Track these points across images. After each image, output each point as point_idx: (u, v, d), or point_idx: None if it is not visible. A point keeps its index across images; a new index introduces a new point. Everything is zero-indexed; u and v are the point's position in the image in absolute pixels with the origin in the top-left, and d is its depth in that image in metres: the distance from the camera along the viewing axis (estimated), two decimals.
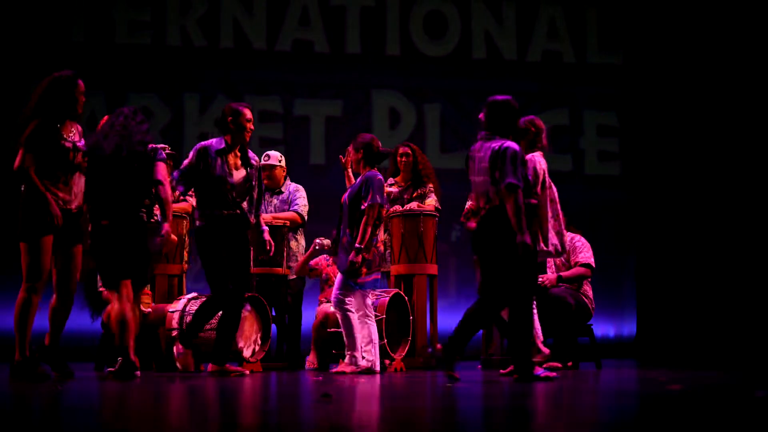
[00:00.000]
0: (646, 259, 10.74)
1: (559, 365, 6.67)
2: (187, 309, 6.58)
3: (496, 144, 5.21)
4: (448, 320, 9.04)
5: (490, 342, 7.39)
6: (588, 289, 7.04)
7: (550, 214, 5.59)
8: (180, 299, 6.73)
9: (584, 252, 6.98)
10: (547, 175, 5.66)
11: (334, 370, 6.17)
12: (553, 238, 5.60)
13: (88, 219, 5.78)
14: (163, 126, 10.18)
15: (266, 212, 7.35)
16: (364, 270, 6.02)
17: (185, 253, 7.27)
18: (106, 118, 6.04)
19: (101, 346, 7.03)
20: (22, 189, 5.53)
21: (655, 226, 10.73)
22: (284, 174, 7.62)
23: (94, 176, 5.63)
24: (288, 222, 7.31)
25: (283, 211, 7.45)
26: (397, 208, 7.41)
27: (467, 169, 5.43)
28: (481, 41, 10.88)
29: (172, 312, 6.61)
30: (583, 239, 7.10)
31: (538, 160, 5.65)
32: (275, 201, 7.52)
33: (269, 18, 10.53)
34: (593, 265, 6.98)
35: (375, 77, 10.74)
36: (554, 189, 5.73)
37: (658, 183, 10.78)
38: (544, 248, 5.46)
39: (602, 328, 10.25)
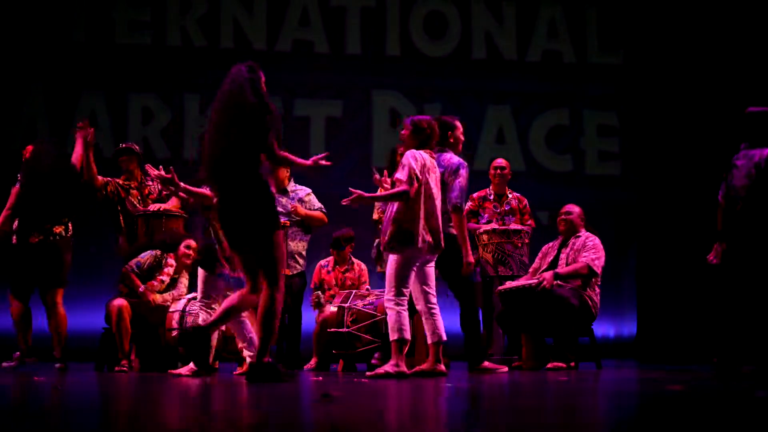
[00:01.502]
0: (646, 259, 10.73)
1: (563, 365, 6.67)
2: (187, 309, 6.58)
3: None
4: (448, 320, 9.04)
5: (490, 342, 7.39)
6: (593, 292, 6.98)
7: (424, 211, 5.61)
8: (180, 299, 6.74)
9: (590, 253, 6.91)
10: (427, 171, 5.64)
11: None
12: (425, 236, 5.61)
13: None
14: (163, 126, 10.19)
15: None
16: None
17: None
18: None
19: (101, 346, 7.03)
20: None
21: (656, 227, 10.72)
22: (287, 174, 7.56)
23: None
24: (311, 221, 7.36)
25: (286, 209, 7.44)
26: None
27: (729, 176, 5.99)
28: (481, 41, 10.88)
29: (172, 312, 6.61)
30: (596, 241, 7.02)
31: (413, 156, 5.62)
32: (283, 200, 7.46)
33: (269, 18, 10.53)
34: (595, 268, 6.86)
35: (375, 77, 10.74)
36: (431, 186, 5.69)
37: (658, 183, 10.78)
38: (418, 246, 5.53)
39: (602, 328, 10.25)
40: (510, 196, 7.82)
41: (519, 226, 7.43)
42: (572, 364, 6.78)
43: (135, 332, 6.76)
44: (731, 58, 10.71)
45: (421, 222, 5.58)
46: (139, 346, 6.91)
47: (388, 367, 5.56)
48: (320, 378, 5.71)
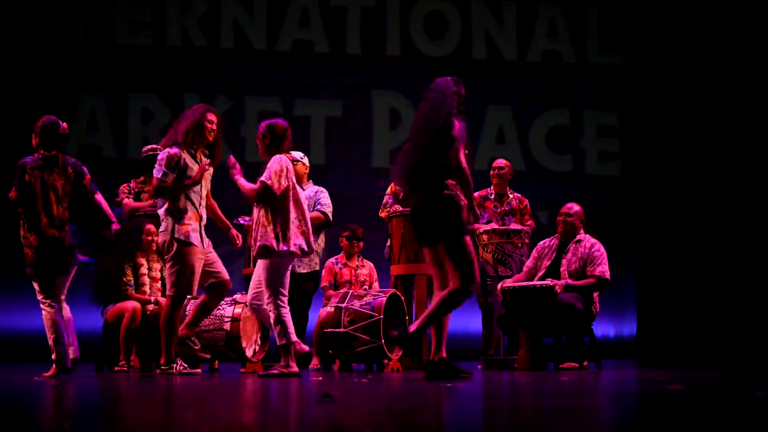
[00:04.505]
0: (646, 260, 10.74)
1: (576, 365, 6.69)
2: (187, 309, 6.58)
3: None
4: (448, 320, 9.03)
5: (489, 342, 7.39)
6: (595, 294, 6.99)
7: (293, 215, 5.65)
8: None
9: (602, 265, 6.88)
10: (291, 175, 5.70)
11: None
12: (298, 238, 5.65)
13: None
14: (163, 126, 10.18)
15: None
16: None
17: None
18: None
19: (102, 346, 7.04)
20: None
21: (655, 227, 10.73)
22: (306, 172, 7.54)
23: None
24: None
25: None
26: (397, 207, 7.39)
27: None
28: (481, 41, 10.88)
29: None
30: (602, 249, 6.98)
31: (279, 158, 5.69)
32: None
33: (269, 18, 10.54)
34: (608, 278, 6.89)
35: (375, 77, 10.75)
36: (298, 190, 5.75)
37: (658, 183, 10.79)
38: (284, 248, 5.57)
39: (602, 328, 10.25)
40: (510, 196, 7.82)
41: (519, 226, 7.43)
42: (585, 363, 6.80)
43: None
44: (731, 58, 10.72)
45: (292, 226, 5.64)
46: (140, 346, 6.93)
47: (279, 369, 5.64)
48: (320, 378, 5.72)
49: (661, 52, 10.97)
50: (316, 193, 7.49)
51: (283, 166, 5.68)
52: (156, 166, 5.98)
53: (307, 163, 7.53)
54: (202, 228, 6.06)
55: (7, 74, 10.04)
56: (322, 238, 7.53)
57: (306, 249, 5.71)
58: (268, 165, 5.71)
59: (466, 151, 5.35)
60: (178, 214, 5.93)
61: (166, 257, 5.97)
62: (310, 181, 7.62)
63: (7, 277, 9.54)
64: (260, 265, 5.72)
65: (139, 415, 3.19)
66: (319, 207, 7.41)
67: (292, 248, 5.61)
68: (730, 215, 10.46)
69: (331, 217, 7.41)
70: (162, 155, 5.96)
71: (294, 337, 5.70)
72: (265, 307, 5.70)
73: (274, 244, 5.58)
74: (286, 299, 5.69)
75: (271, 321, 5.67)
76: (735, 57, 10.72)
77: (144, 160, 7.38)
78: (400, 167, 5.43)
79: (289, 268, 5.75)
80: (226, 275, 6.08)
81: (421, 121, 5.42)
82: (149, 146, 7.54)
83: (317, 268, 7.50)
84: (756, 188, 10.50)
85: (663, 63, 10.93)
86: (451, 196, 5.29)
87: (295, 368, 5.66)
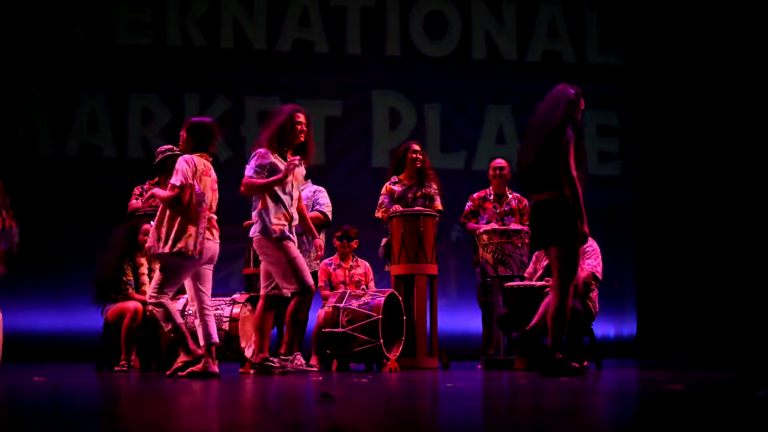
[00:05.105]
0: (645, 260, 10.74)
1: (577, 365, 6.70)
2: (187, 309, 6.58)
3: None
4: (448, 320, 9.06)
5: (490, 342, 7.39)
6: (593, 293, 6.99)
7: (195, 218, 5.69)
8: (179, 299, 6.73)
9: (591, 260, 6.91)
10: (200, 176, 5.71)
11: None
12: (199, 242, 5.69)
13: None
14: (163, 126, 10.19)
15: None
16: None
17: None
18: None
19: (102, 346, 7.04)
20: None
21: (655, 226, 10.73)
22: (304, 173, 7.56)
23: None
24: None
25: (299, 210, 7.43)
26: (397, 207, 7.39)
27: None
28: (481, 41, 10.88)
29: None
30: (594, 245, 7.01)
31: (185, 160, 5.71)
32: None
33: (269, 18, 10.54)
34: (599, 275, 6.89)
35: (375, 77, 10.74)
36: (206, 190, 5.78)
37: (658, 183, 10.79)
38: (189, 253, 5.62)
39: (602, 328, 10.25)
40: (510, 196, 7.82)
41: (519, 226, 7.43)
42: (585, 364, 6.80)
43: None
44: (731, 58, 10.72)
45: (193, 228, 5.65)
46: (140, 346, 6.93)
47: (196, 367, 5.67)
48: (320, 378, 5.72)
49: (661, 52, 10.96)
50: (314, 192, 7.49)
51: (190, 167, 5.70)
52: (247, 165, 6.08)
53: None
54: (293, 228, 6.11)
55: (7, 74, 10.04)
56: (322, 238, 7.53)
57: (191, 252, 5.69)
58: (177, 166, 5.72)
59: (580, 153, 5.47)
60: (269, 214, 5.99)
61: (261, 258, 6.03)
62: (308, 180, 7.63)
63: (7, 276, 9.54)
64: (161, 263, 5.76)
65: (139, 415, 3.19)
66: (318, 207, 7.42)
67: (193, 250, 5.63)
68: (730, 215, 10.46)
69: (330, 217, 7.40)
70: (253, 155, 6.07)
71: (184, 328, 5.75)
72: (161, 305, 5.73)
73: (157, 245, 5.63)
74: (166, 296, 5.72)
75: (159, 318, 5.71)
76: (735, 57, 10.72)
77: (160, 162, 7.38)
78: (518, 168, 5.65)
79: (185, 268, 5.72)
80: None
81: (536, 124, 5.58)
82: (165, 147, 7.53)
83: (317, 269, 7.51)
84: (756, 188, 10.50)
85: (663, 63, 10.93)
86: (567, 202, 5.45)
87: (214, 368, 5.69)
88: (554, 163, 5.40)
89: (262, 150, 6.07)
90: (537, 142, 5.48)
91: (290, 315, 6.09)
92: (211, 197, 5.80)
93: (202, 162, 5.75)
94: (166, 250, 5.61)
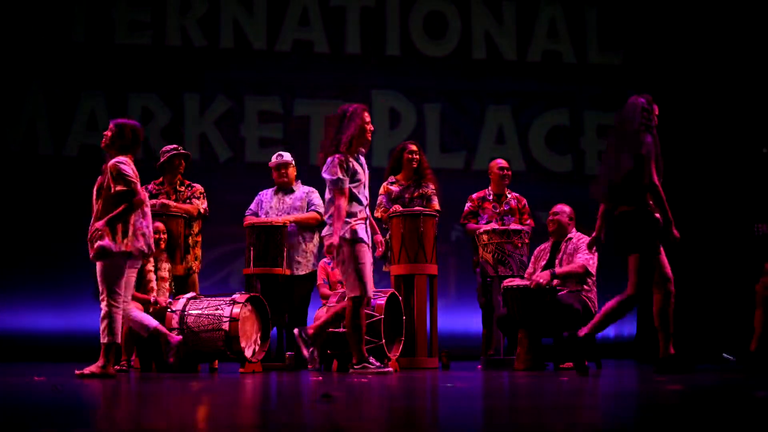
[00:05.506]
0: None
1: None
2: (187, 309, 6.58)
3: None
4: (448, 320, 9.06)
5: (490, 342, 7.39)
6: (591, 293, 6.99)
7: (134, 217, 5.72)
8: (179, 299, 6.74)
9: (585, 254, 6.95)
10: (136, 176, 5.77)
11: None
12: (137, 241, 5.71)
13: None
14: (164, 126, 10.19)
15: (279, 212, 7.41)
16: None
17: (195, 251, 7.35)
18: None
19: None
20: None
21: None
22: (295, 174, 7.69)
23: None
24: (304, 221, 7.39)
25: (294, 210, 7.48)
26: (397, 207, 7.40)
27: None
28: (481, 41, 10.88)
29: (173, 312, 6.61)
30: (587, 240, 7.05)
31: (122, 161, 5.73)
32: (288, 200, 7.54)
33: (269, 18, 10.54)
34: (590, 269, 6.91)
35: (375, 77, 10.74)
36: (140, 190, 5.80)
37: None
38: (122, 248, 5.63)
39: None
40: (509, 196, 7.82)
41: (519, 226, 7.43)
42: (585, 363, 6.80)
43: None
44: (731, 58, 10.72)
45: (131, 228, 5.69)
46: (140, 347, 6.93)
47: (93, 368, 5.67)
48: (320, 378, 5.72)
49: (661, 52, 10.96)
50: (307, 194, 7.57)
51: (129, 168, 5.73)
52: (326, 172, 6.00)
53: (294, 165, 7.68)
54: (368, 226, 6.10)
55: (7, 74, 10.04)
56: (316, 238, 7.56)
57: (146, 251, 5.74)
58: (115, 170, 5.72)
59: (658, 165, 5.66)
60: (347, 216, 5.97)
61: (337, 260, 6.01)
62: (299, 181, 7.67)
63: (7, 276, 9.55)
64: (99, 263, 5.76)
65: (139, 415, 3.19)
66: (313, 207, 7.49)
67: (131, 248, 5.67)
68: (731, 215, 10.46)
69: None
70: (332, 161, 5.97)
71: (119, 339, 5.75)
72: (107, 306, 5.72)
73: (112, 245, 5.63)
74: (121, 298, 5.73)
75: (101, 318, 5.70)
76: (735, 56, 10.72)
77: (165, 162, 7.39)
78: (600, 181, 5.85)
79: (126, 268, 5.75)
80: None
81: (614, 137, 5.79)
82: (169, 146, 7.54)
83: (314, 269, 7.53)
84: (756, 187, 10.50)
85: (663, 63, 10.92)
86: (651, 213, 5.68)
87: (111, 370, 5.68)
88: (635, 173, 5.56)
89: (340, 155, 5.98)
90: (616, 157, 5.64)
91: (350, 322, 6.04)
92: (146, 196, 5.89)
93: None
94: (123, 248, 5.64)
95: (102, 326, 5.70)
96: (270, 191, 7.65)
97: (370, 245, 6.14)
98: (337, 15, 10.66)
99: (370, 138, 6.17)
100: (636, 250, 5.67)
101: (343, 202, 5.96)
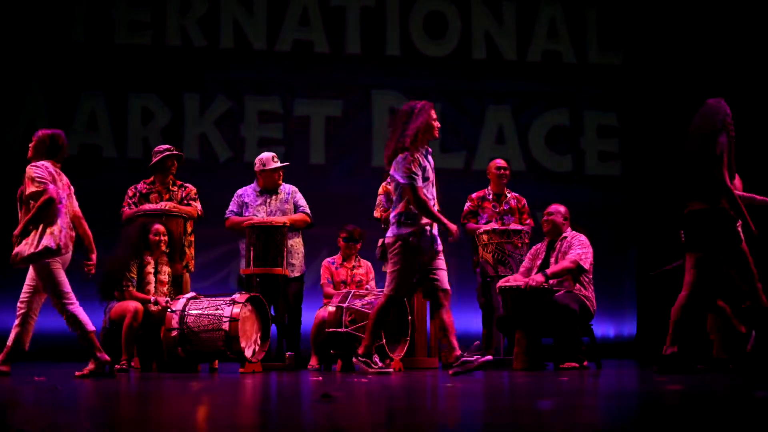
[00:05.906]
0: (646, 259, 10.73)
1: (576, 365, 6.70)
2: (187, 309, 6.58)
3: None
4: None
5: (490, 342, 7.39)
6: (588, 292, 6.99)
7: (64, 222, 5.74)
8: (179, 299, 6.74)
9: (577, 249, 6.95)
10: (59, 180, 5.82)
11: None
12: (46, 238, 5.72)
13: None
14: (163, 126, 10.19)
15: (266, 213, 7.36)
16: None
17: (190, 251, 7.34)
18: None
19: (104, 345, 7.03)
20: None
21: (655, 227, 10.72)
22: (281, 175, 7.63)
23: None
24: (294, 223, 7.37)
25: (281, 211, 7.44)
26: None
27: None
28: (481, 41, 10.88)
29: (173, 312, 6.61)
30: (583, 239, 7.07)
31: (39, 165, 5.81)
32: (274, 202, 7.49)
33: (269, 18, 10.53)
34: (583, 264, 6.89)
35: (375, 77, 10.74)
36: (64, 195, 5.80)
37: (658, 183, 10.78)
38: (32, 250, 5.66)
39: (602, 328, 10.25)
40: (509, 196, 7.82)
41: (519, 226, 7.43)
42: (585, 363, 6.81)
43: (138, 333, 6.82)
44: (731, 58, 10.71)
45: (65, 231, 5.72)
46: (140, 346, 6.93)
47: (91, 366, 5.72)
48: (320, 378, 5.72)
49: (661, 52, 10.96)
50: (291, 194, 7.50)
51: (47, 171, 5.79)
52: (397, 172, 5.85)
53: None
54: (434, 226, 5.94)
55: (7, 74, 10.03)
56: (300, 239, 7.53)
57: (53, 248, 5.71)
58: (33, 174, 5.77)
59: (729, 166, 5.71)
60: (409, 217, 5.85)
61: (390, 256, 5.93)
62: (281, 182, 7.60)
63: (7, 276, 9.53)
64: (32, 270, 5.80)
65: (139, 415, 3.19)
66: (302, 209, 7.45)
67: (65, 251, 5.71)
68: None
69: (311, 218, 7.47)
70: (403, 159, 5.83)
71: (91, 327, 5.79)
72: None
73: (25, 249, 5.67)
74: (71, 294, 5.75)
75: (68, 322, 5.74)
76: (735, 57, 10.72)
77: (158, 162, 7.36)
78: (677, 176, 5.98)
79: (60, 266, 5.76)
80: (444, 284, 5.94)
81: (692, 135, 5.90)
82: (163, 146, 7.52)
83: (304, 269, 7.54)
84: (756, 187, 10.49)
85: (663, 63, 10.92)
86: (725, 211, 5.71)
87: (104, 355, 5.73)
88: (709, 172, 5.65)
89: (408, 155, 5.84)
90: (693, 155, 5.75)
91: (376, 313, 5.94)
92: (67, 200, 5.88)
93: (53, 167, 5.87)
94: (33, 250, 5.66)
95: (71, 328, 5.78)
96: (251, 191, 7.52)
97: (433, 246, 5.92)
98: (337, 15, 10.66)
99: (437, 135, 6.01)
100: (702, 248, 5.75)
101: (423, 195, 5.80)
